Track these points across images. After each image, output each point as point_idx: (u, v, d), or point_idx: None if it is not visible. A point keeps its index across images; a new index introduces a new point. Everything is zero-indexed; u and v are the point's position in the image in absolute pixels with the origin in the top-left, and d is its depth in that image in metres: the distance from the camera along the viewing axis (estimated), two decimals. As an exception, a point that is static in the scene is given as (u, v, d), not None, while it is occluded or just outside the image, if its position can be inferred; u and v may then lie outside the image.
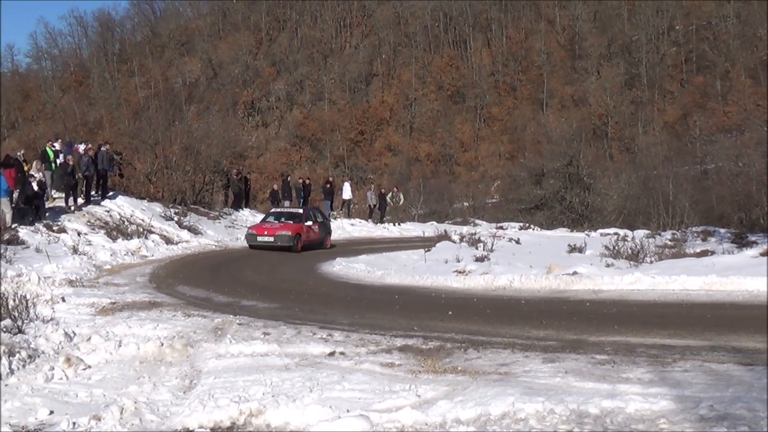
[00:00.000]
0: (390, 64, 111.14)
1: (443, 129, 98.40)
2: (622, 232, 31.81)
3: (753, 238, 24.04)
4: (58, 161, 25.68)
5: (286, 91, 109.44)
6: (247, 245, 25.72)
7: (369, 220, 37.71)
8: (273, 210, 29.57)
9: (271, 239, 25.27)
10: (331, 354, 8.64)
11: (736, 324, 9.56)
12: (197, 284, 15.90)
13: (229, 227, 30.51)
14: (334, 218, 35.99)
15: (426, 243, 24.78)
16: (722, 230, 29.64)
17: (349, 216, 38.00)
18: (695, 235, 27.77)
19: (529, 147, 79.35)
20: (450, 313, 11.53)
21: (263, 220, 27.65)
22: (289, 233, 25.40)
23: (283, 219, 27.01)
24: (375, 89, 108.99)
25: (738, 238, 24.89)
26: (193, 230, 27.77)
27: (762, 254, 15.68)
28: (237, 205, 34.27)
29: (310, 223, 26.66)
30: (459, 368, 7.74)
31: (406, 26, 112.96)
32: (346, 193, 38.52)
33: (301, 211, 28.28)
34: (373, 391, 6.87)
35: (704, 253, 19.28)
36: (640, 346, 8.44)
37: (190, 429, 5.99)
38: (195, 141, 35.52)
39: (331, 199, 36.81)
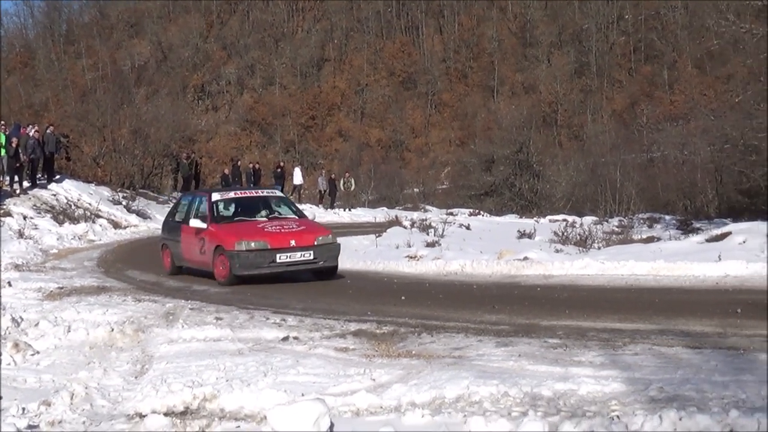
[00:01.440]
0: (342, 49, 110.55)
1: (394, 115, 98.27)
2: (570, 218, 32.15)
3: (698, 225, 24.52)
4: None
5: (236, 75, 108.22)
6: (233, 277, 13.35)
7: (319, 205, 37.64)
8: (230, 194, 15.69)
9: (309, 255, 13.71)
10: (285, 339, 8.60)
11: (684, 308, 9.72)
12: (147, 269, 15.73)
13: (179, 212, 30.14)
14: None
15: (377, 228, 24.75)
16: (668, 217, 30.16)
17: (299, 201, 37.85)
18: (641, 221, 28.17)
19: (480, 134, 79.80)
20: (403, 297, 11.55)
21: (230, 219, 14.65)
22: (337, 242, 14.60)
23: (273, 210, 15.13)
24: (326, 74, 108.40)
25: (683, 224, 25.35)
26: (142, 215, 27.52)
27: (708, 240, 16.00)
28: (186, 190, 33.90)
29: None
30: (413, 352, 7.76)
31: (358, 11, 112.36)
32: (297, 178, 38.46)
33: (279, 193, 17.73)
34: (328, 375, 6.86)
35: (651, 239, 19.59)
36: (591, 330, 8.53)
37: (143, 414, 5.91)
38: (144, 124, 35.16)
39: (281, 184, 36.63)
